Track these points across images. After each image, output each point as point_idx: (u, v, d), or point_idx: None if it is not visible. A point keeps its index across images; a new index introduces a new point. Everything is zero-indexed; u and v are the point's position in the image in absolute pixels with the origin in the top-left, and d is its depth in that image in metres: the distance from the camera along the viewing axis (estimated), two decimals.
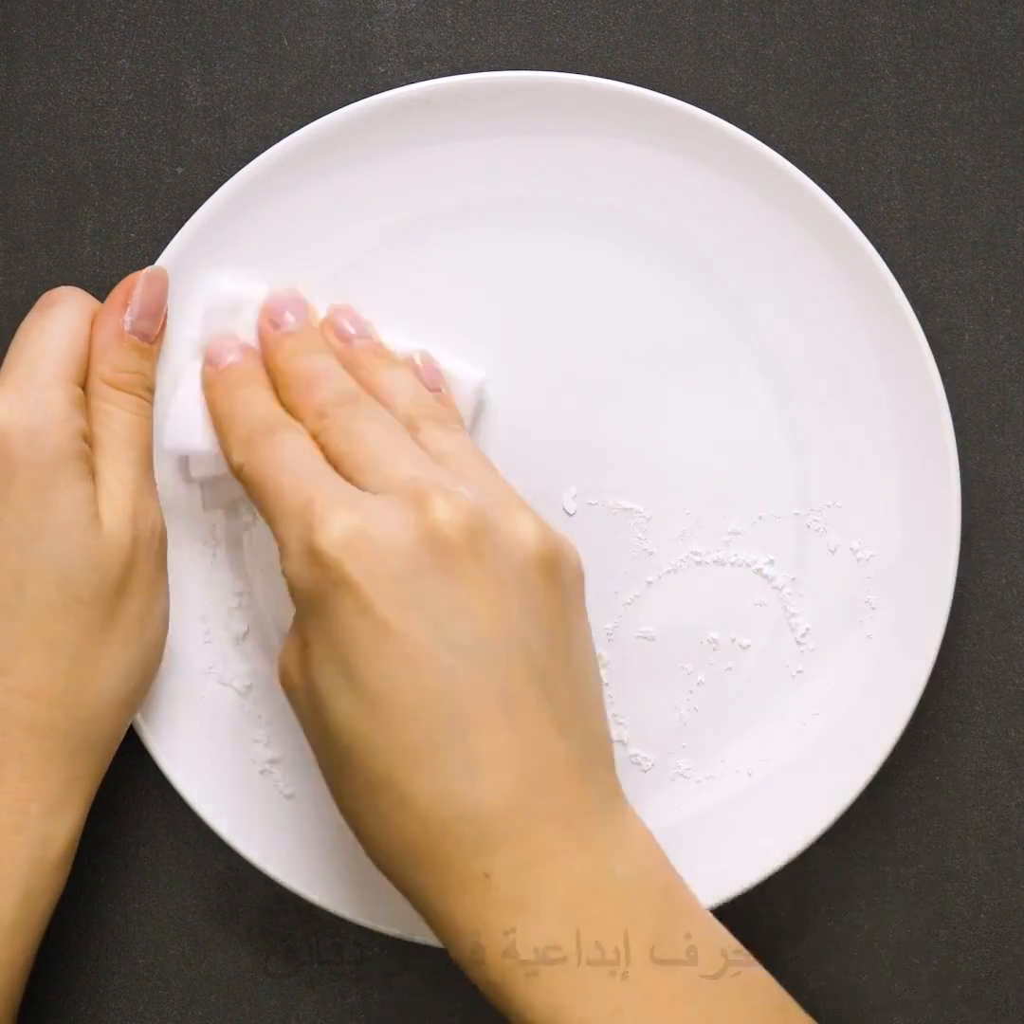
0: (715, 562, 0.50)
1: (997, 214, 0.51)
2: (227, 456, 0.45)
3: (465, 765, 0.39)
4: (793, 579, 0.50)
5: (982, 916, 0.52)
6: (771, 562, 0.50)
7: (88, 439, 0.45)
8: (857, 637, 0.50)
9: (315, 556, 0.40)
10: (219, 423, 0.46)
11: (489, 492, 0.43)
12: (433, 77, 0.48)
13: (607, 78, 0.48)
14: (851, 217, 0.48)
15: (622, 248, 0.49)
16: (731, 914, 0.51)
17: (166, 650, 0.48)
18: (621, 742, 0.50)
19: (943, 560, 0.49)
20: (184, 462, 0.48)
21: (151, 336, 0.47)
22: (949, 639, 0.50)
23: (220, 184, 0.48)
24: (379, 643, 0.39)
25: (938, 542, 0.49)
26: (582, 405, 0.50)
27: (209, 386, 0.47)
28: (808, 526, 0.50)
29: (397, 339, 0.49)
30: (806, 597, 0.50)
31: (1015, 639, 0.52)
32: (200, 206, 0.48)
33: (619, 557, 0.50)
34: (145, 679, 0.47)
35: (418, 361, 0.48)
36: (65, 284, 0.48)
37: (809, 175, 0.48)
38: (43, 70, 0.51)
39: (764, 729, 0.50)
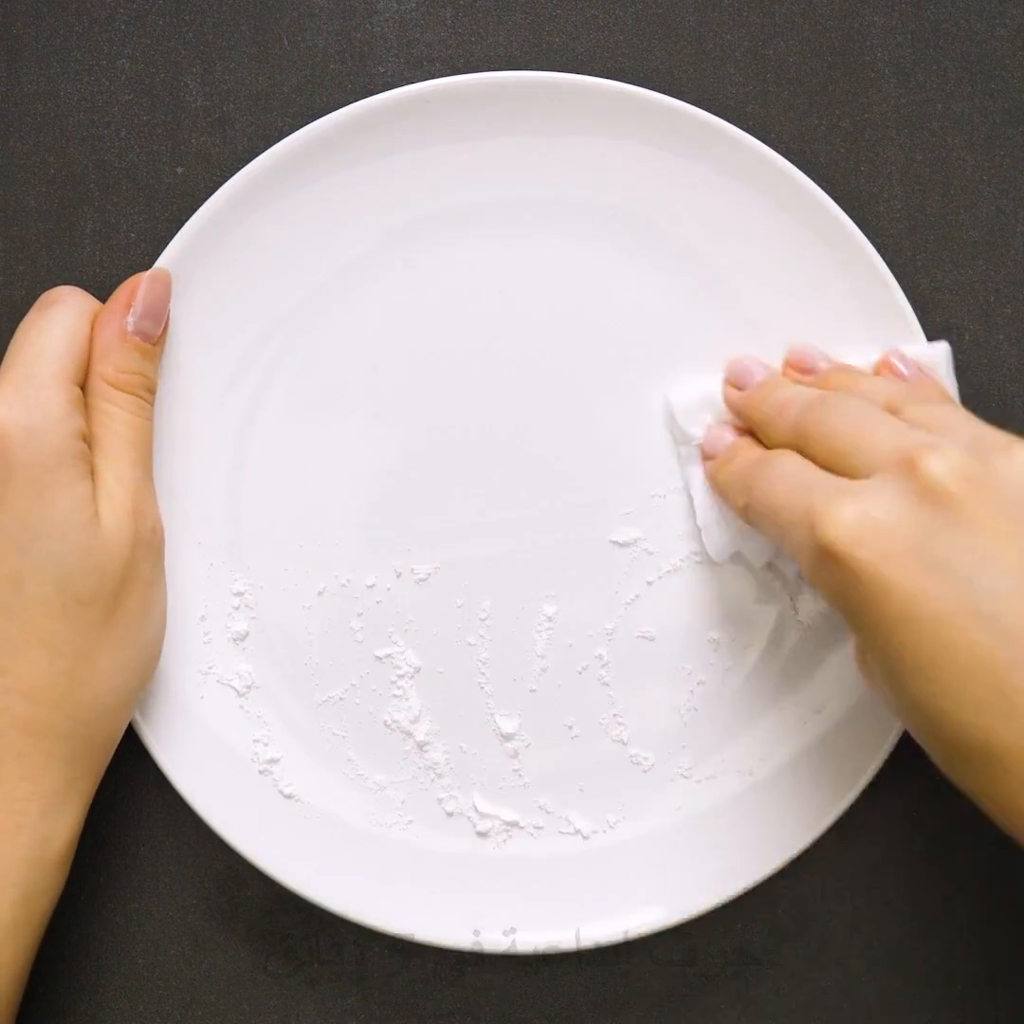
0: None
1: (997, 214, 0.51)
2: (737, 512, 0.46)
3: None
4: (794, 578, 0.50)
5: (982, 916, 0.52)
6: (771, 562, 0.50)
7: (87, 439, 0.45)
8: None
9: (827, 555, 0.40)
10: (723, 491, 0.47)
11: (977, 437, 0.42)
12: (433, 77, 0.48)
13: (607, 78, 0.48)
14: (851, 217, 0.48)
15: (622, 248, 0.49)
16: (731, 914, 0.51)
17: (166, 650, 0.48)
18: (621, 742, 0.50)
19: None
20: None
21: (154, 337, 0.47)
22: None
23: (220, 184, 0.48)
24: (916, 617, 0.39)
25: None
26: (581, 404, 0.50)
27: (712, 476, 0.48)
28: None
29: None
30: (806, 596, 0.50)
31: None
32: (200, 206, 0.48)
33: (619, 557, 0.50)
34: (143, 679, 0.47)
35: (893, 362, 0.48)
36: (65, 284, 0.47)
37: (809, 175, 0.48)
38: (43, 70, 0.51)
39: (764, 729, 0.50)
